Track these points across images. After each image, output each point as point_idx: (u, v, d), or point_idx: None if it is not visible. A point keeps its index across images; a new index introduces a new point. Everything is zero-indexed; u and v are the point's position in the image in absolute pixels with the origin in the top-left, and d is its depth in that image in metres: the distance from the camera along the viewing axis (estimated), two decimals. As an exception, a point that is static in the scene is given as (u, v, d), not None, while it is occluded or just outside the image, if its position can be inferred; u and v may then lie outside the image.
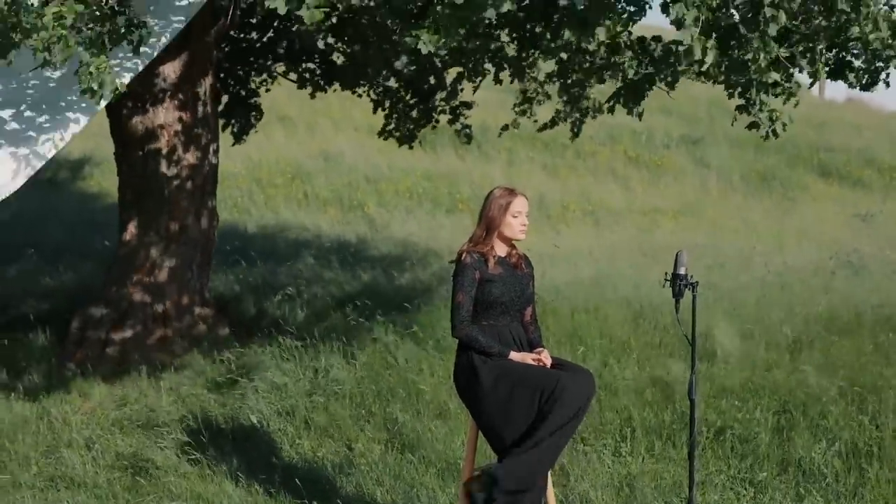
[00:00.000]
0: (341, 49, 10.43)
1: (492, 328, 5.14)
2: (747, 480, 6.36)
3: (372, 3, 6.39)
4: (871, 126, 24.91)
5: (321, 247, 13.13)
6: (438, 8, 5.02)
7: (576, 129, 9.64)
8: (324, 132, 20.98)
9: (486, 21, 5.41)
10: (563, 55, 7.60)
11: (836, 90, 67.61)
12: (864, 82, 6.65)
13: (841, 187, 21.25)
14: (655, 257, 12.50)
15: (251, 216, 16.10)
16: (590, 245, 14.29)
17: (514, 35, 7.80)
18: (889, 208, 18.37)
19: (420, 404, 7.44)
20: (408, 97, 10.59)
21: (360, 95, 10.86)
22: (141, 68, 5.99)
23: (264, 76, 11.01)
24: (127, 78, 5.47)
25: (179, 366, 8.46)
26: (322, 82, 10.75)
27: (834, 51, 6.61)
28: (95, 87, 4.70)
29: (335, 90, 10.96)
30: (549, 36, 6.59)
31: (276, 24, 10.38)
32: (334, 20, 9.40)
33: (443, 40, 5.09)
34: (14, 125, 5.98)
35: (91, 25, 4.94)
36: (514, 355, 5.08)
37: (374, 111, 10.86)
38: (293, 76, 10.85)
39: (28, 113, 5.91)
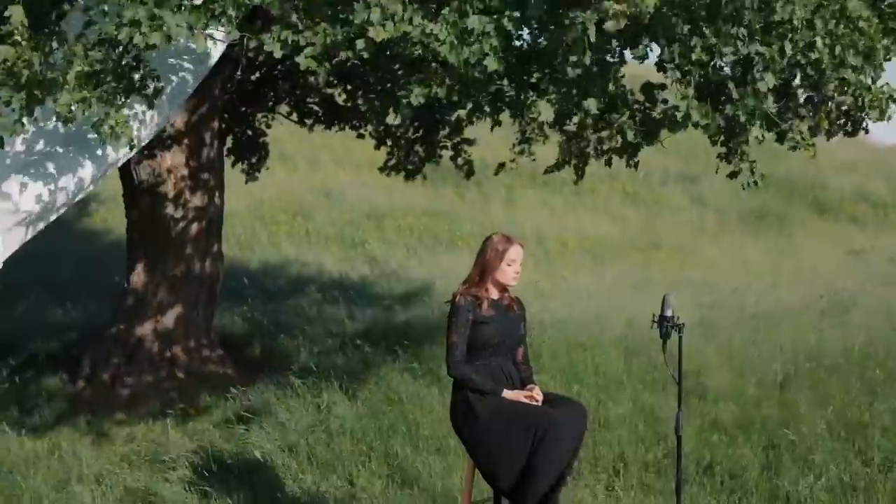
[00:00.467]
0: (343, 90, 10.66)
1: (485, 367, 5.34)
2: (736, 514, 6.58)
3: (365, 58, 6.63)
4: (865, 162, 25.18)
5: (323, 283, 13.37)
6: (434, 65, 5.30)
7: (580, 172, 9.87)
8: (325, 169, 21.24)
9: (475, 77, 5.64)
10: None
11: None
12: (848, 129, 6.95)
13: (836, 223, 21.49)
14: (651, 294, 12.73)
15: (254, 253, 16.32)
16: (587, 281, 14.53)
17: (511, 78, 8.03)
18: (882, 244, 18.62)
19: (420, 440, 7.66)
20: (410, 133, 10.80)
21: (362, 136, 11.09)
22: (156, 122, 6.24)
23: (267, 115, 11.25)
24: (142, 132, 5.72)
25: (186, 403, 8.69)
26: (324, 122, 10.98)
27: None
28: (113, 142, 4.99)
29: (339, 130, 11.18)
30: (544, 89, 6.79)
31: (278, 66, 10.64)
32: (334, 62, 9.63)
33: (434, 92, 5.37)
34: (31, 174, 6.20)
35: (109, 78, 5.21)
36: (508, 393, 5.30)
37: (377, 148, 11.08)
38: (295, 116, 11.08)
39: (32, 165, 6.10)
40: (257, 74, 10.87)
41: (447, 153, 10.73)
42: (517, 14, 5.36)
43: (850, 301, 12.48)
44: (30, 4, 4.80)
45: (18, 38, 4.70)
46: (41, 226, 5.94)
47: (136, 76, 5.39)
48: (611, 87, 6.03)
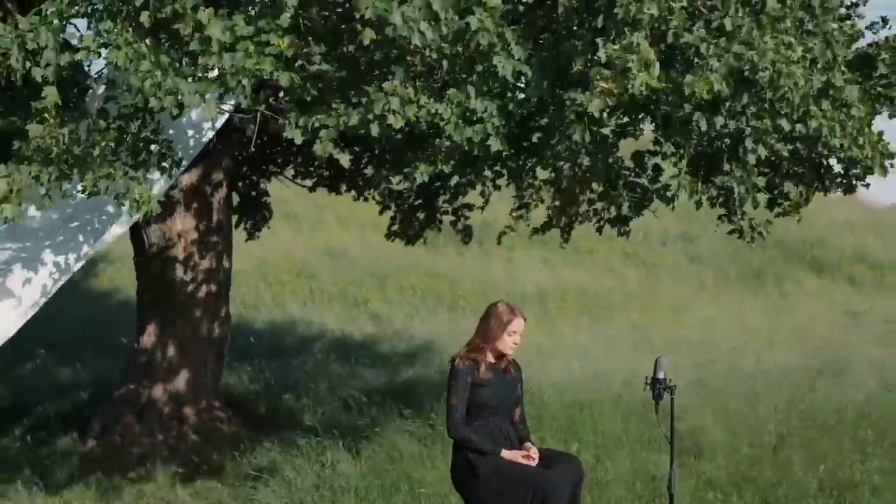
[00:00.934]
0: (349, 156, 10.96)
1: (484, 428, 5.57)
2: (729, 571, 6.75)
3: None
4: (863, 222, 25.40)
5: (327, 343, 13.57)
6: (437, 141, 5.59)
7: (566, 236, 10.13)
8: (329, 229, 21.49)
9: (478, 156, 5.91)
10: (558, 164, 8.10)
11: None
12: (843, 188, 7.24)
13: (833, 283, 21.68)
14: (648, 353, 12.90)
15: (259, 312, 16.50)
16: (585, 339, 14.72)
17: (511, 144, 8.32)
18: (879, 305, 18.81)
19: (421, 498, 7.84)
20: (412, 200, 11.07)
21: (366, 199, 11.37)
22: (166, 187, 6.54)
23: (272, 179, 11.53)
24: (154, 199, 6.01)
25: (195, 462, 8.89)
26: (329, 186, 11.27)
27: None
28: (135, 211, 5.28)
29: (344, 193, 11.46)
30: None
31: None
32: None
33: (438, 169, 5.66)
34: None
35: (128, 154, 5.50)
36: (506, 453, 5.53)
37: (381, 213, 11.35)
38: (301, 179, 11.35)
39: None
40: (264, 138, 11.15)
41: (448, 218, 11.01)
42: (520, 96, 5.64)
43: (846, 362, 12.65)
44: (59, 84, 5.10)
45: (47, 115, 5.00)
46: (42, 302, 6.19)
47: (154, 147, 5.69)
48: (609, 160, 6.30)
